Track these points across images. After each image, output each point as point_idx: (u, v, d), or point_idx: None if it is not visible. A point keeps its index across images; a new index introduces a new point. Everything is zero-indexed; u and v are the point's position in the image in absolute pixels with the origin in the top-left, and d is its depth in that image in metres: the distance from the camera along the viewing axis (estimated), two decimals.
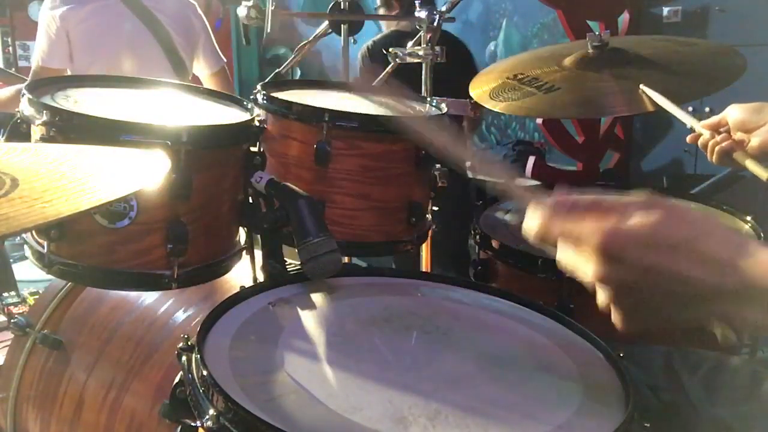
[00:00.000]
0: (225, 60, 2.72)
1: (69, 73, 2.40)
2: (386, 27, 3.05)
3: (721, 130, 1.23)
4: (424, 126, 0.84)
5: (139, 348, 1.23)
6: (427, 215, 1.35)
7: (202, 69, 2.66)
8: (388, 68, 1.99)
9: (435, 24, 1.75)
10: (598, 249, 0.63)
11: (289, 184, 1.10)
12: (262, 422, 0.65)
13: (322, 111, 1.18)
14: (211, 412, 0.70)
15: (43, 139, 1.01)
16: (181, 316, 1.25)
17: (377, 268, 1.12)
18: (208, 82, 2.66)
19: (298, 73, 5.36)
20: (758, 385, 0.97)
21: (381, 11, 2.96)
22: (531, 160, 3.27)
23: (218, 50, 2.69)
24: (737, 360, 1.08)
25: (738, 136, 1.20)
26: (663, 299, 0.62)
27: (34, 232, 1.05)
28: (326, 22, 1.89)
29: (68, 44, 2.37)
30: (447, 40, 2.38)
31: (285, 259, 1.14)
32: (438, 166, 1.35)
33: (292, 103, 1.22)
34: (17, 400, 1.36)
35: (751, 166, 1.13)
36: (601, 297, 0.66)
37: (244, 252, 1.20)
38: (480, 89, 1.48)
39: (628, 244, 0.62)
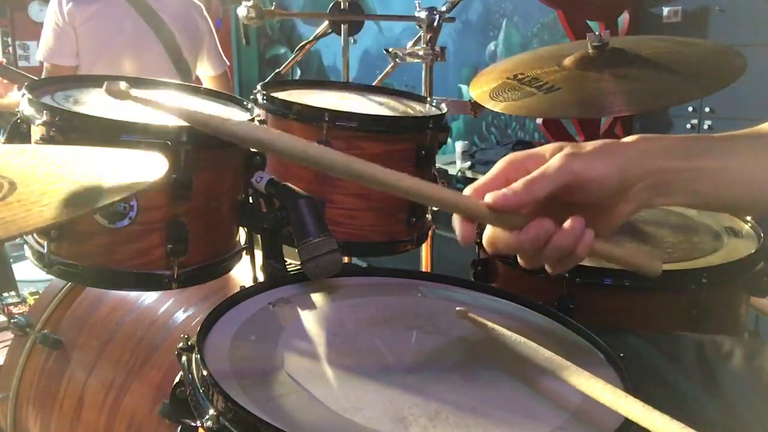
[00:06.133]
0: (228, 63, 2.73)
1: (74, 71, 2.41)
2: None
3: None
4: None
5: (139, 348, 1.23)
6: (427, 215, 1.35)
7: (204, 71, 2.67)
8: (388, 68, 2.00)
9: (435, 24, 1.75)
10: None
11: (289, 184, 1.10)
12: (262, 422, 0.65)
13: (322, 111, 1.18)
14: (211, 412, 0.70)
15: (43, 139, 1.01)
16: (181, 316, 1.25)
17: (377, 268, 1.12)
18: (210, 84, 2.67)
19: (298, 73, 5.36)
20: None
21: None
22: None
23: (222, 53, 2.70)
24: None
25: None
26: None
27: None
28: (326, 22, 1.90)
29: (75, 41, 2.37)
30: None
31: (285, 259, 1.14)
32: (438, 166, 1.35)
33: (292, 103, 1.22)
34: (17, 400, 1.37)
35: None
36: None
37: (244, 252, 1.20)
38: (480, 89, 1.48)
39: None
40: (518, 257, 0.73)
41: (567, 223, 0.68)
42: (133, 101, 0.60)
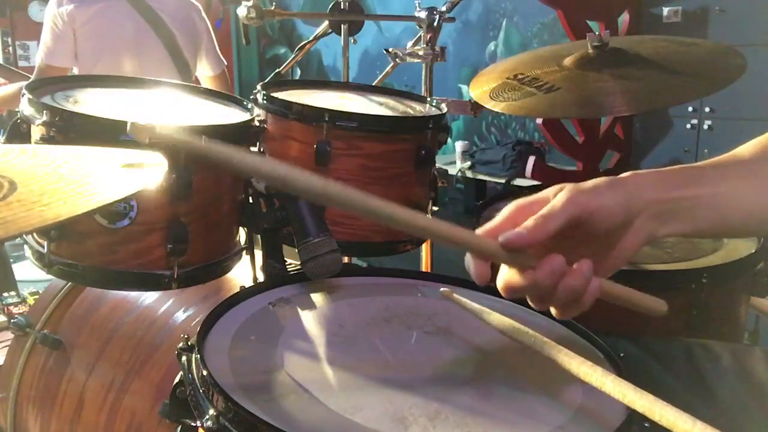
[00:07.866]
0: (226, 63, 2.73)
1: (74, 71, 2.40)
2: None
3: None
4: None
5: (139, 348, 1.23)
6: (427, 215, 1.35)
7: (203, 71, 2.67)
8: (388, 68, 2.00)
9: (435, 24, 1.75)
10: None
11: None
12: (262, 422, 0.65)
13: (322, 111, 1.18)
14: (211, 412, 0.70)
15: (43, 139, 1.01)
16: (181, 316, 1.25)
17: (377, 268, 1.12)
18: (209, 85, 2.67)
19: (298, 73, 5.37)
20: None
21: None
22: (531, 160, 3.28)
23: (220, 54, 2.70)
24: (759, 351, 1.07)
25: None
26: None
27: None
28: (326, 22, 1.90)
29: (74, 42, 2.37)
30: None
31: (285, 259, 1.14)
32: (438, 166, 1.35)
33: (292, 103, 1.22)
34: (17, 400, 1.37)
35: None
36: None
37: (244, 252, 1.20)
38: (480, 89, 1.48)
39: None
40: (528, 299, 0.73)
41: (576, 265, 0.69)
42: (159, 141, 0.61)
